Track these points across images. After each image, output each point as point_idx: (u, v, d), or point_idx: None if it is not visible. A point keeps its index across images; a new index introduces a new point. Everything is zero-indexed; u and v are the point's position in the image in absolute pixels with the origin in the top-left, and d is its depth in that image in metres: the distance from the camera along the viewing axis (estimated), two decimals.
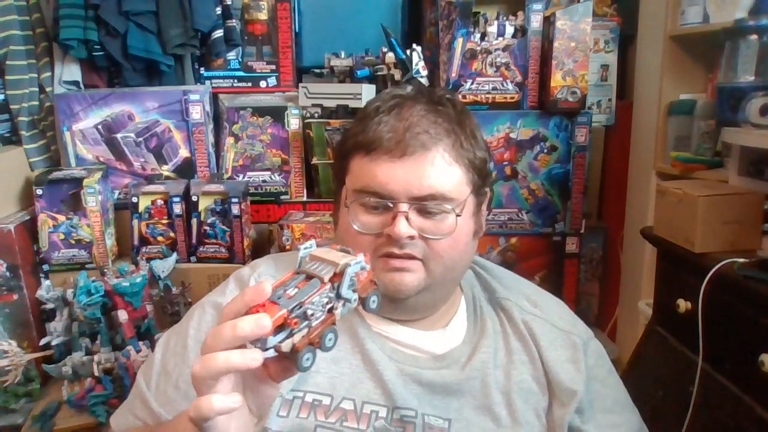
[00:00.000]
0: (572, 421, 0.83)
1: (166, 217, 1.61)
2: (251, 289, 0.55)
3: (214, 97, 1.75)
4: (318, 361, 0.78)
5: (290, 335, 0.55)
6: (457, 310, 0.89)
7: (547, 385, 0.84)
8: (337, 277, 0.57)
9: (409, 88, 0.87)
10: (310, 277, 0.58)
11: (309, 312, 0.55)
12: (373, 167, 0.78)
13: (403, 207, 0.76)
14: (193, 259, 1.62)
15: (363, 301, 0.61)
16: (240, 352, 0.53)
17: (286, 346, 0.55)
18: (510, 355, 0.85)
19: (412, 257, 0.78)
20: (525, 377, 0.83)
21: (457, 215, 0.78)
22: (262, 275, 0.89)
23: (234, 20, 1.69)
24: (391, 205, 0.77)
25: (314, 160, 1.68)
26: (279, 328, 0.54)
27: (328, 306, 0.57)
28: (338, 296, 0.57)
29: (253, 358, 0.53)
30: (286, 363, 0.58)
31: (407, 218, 0.76)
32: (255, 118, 1.72)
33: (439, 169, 0.78)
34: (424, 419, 0.78)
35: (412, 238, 0.77)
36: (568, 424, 0.82)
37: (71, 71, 1.67)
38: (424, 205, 0.77)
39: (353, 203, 0.80)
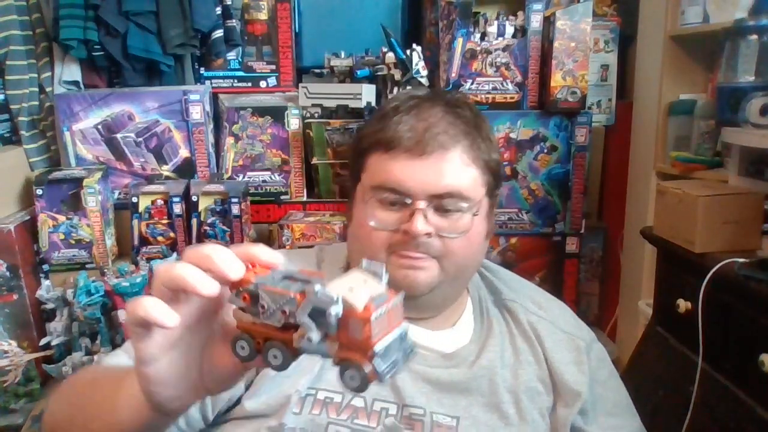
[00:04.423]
0: (575, 422, 0.83)
1: (166, 217, 1.61)
2: (267, 249, 0.51)
3: (214, 97, 1.75)
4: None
5: (241, 306, 0.49)
6: (463, 310, 0.90)
7: (552, 386, 0.84)
8: (302, 297, 0.46)
9: (425, 90, 0.88)
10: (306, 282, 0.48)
11: (261, 302, 0.47)
12: (392, 164, 0.79)
13: (421, 204, 0.77)
14: None
15: (340, 369, 0.46)
16: (204, 274, 0.48)
17: (233, 314, 0.50)
18: (517, 355, 0.85)
19: (426, 255, 0.79)
20: (531, 377, 0.84)
21: (474, 214, 0.80)
22: None
23: (234, 20, 1.69)
24: (409, 202, 0.78)
25: (314, 160, 1.68)
26: (238, 290, 0.49)
27: (283, 320, 0.47)
28: (294, 318, 0.46)
29: (210, 286, 0.47)
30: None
31: (425, 216, 0.77)
32: (255, 118, 1.72)
33: (457, 169, 0.79)
34: (432, 417, 0.78)
35: (429, 235, 0.78)
36: (571, 425, 0.83)
37: (71, 71, 1.67)
38: (442, 202, 0.78)
39: (371, 199, 0.81)
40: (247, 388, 0.79)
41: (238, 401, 0.78)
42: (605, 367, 0.91)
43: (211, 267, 0.48)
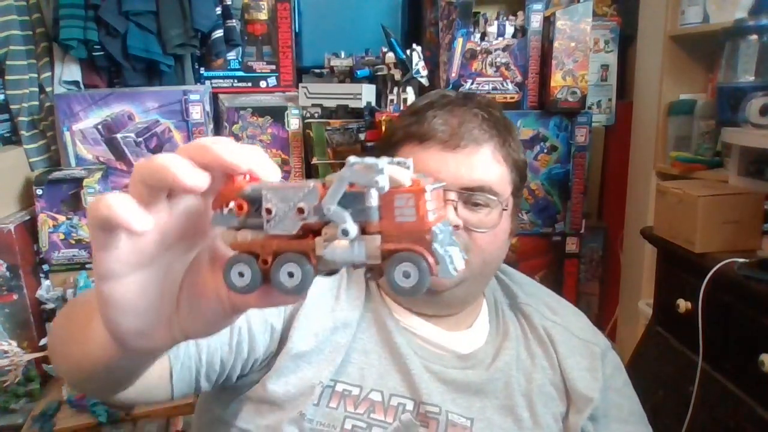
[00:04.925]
0: (585, 428, 0.83)
1: None
2: (267, 160, 0.38)
3: (214, 97, 1.75)
4: (350, 352, 0.78)
5: (234, 225, 0.37)
6: (479, 312, 0.90)
7: (565, 391, 0.84)
8: (324, 188, 0.35)
9: (455, 92, 0.91)
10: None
11: (266, 206, 0.35)
12: (425, 156, 0.80)
13: (452, 196, 0.78)
14: None
15: (388, 268, 0.34)
16: (191, 164, 0.36)
17: (222, 238, 0.39)
18: (532, 359, 0.85)
19: None
20: (545, 382, 0.84)
21: (504, 209, 0.81)
22: None
23: (234, 20, 1.69)
24: None
25: (314, 160, 1.68)
26: (222, 208, 0.37)
27: (299, 222, 0.35)
28: (321, 215, 0.35)
29: (196, 177, 0.35)
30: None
31: (455, 208, 0.78)
32: (255, 118, 1.72)
33: (489, 164, 0.81)
34: (447, 416, 0.78)
35: (457, 227, 0.78)
36: (582, 431, 0.83)
37: (71, 71, 1.67)
38: (473, 195, 0.79)
39: None
40: (268, 365, 0.77)
41: (251, 370, 0.77)
42: (620, 376, 0.91)
43: (205, 157, 0.36)
